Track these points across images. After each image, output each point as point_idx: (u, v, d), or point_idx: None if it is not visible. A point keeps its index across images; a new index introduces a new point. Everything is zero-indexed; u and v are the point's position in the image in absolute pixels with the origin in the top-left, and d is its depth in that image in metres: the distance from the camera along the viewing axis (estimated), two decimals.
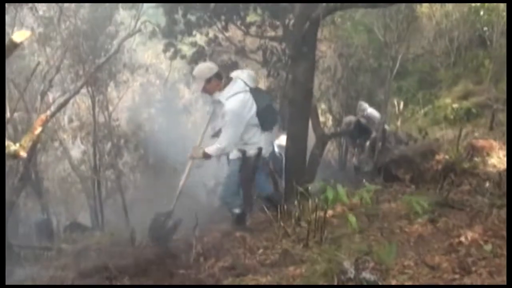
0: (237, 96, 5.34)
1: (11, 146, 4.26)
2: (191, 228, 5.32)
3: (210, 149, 5.47)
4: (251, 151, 5.58)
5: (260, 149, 5.59)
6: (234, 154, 5.64)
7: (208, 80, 5.38)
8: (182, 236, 5.52)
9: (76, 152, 13.59)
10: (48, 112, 5.40)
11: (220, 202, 6.29)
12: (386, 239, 4.60)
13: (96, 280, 4.33)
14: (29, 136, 4.65)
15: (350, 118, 9.64)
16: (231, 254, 4.67)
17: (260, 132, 5.60)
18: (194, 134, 14.37)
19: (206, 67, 5.58)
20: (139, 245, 5.33)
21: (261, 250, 4.65)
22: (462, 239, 4.20)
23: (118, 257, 4.84)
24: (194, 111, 16.84)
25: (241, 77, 5.58)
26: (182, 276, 4.31)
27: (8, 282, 4.43)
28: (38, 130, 5.08)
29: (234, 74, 5.72)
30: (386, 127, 9.82)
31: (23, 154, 4.50)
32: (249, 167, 5.62)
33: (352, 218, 3.72)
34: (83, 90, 9.81)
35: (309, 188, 5.19)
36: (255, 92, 5.55)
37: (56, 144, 13.69)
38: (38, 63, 5.47)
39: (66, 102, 5.71)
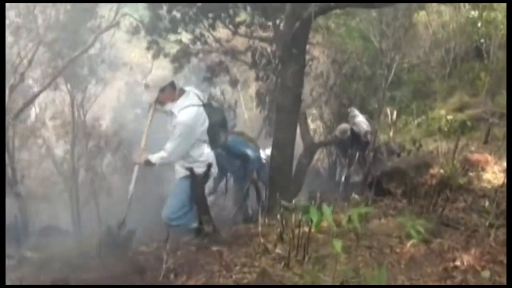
0: (190, 109, 5.08)
1: None
2: (163, 240, 4.98)
3: (154, 157, 5.15)
4: (200, 169, 5.27)
5: (209, 166, 5.31)
6: (182, 173, 5.34)
7: (162, 90, 5.11)
8: (153, 249, 5.12)
9: (59, 150, 13.24)
10: None
11: (165, 221, 5.54)
12: (374, 260, 4.26)
13: None
14: None
15: (345, 126, 9.21)
16: (205, 271, 4.28)
17: (210, 149, 5.35)
18: None
19: (160, 76, 5.42)
20: (105, 258, 4.92)
21: (238, 268, 4.25)
22: (458, 263, 3.92)
23: (81, 271, 4.45)
24: None
25: (194, 91, 5.35)
26: None
27: None
28: None
29: (187, 88, 5.45)
30: (369, 137, 9.54)
31: None
32: (199, 185, 5.32)
33: (337, 243, 3.35)
34: (64, 87, 9.49)
35: (293, 202, 4.82)
36: (208, 107, 5.30)
37: (40, 141, 13.33)
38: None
39: (33, 99, 5.34)
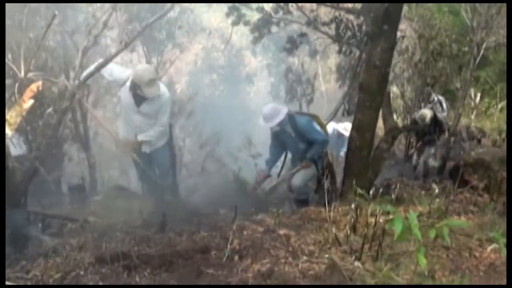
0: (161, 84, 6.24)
1: None
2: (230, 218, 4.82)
3: (145, 136, 6.16)
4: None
5: None
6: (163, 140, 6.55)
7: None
8: (220, 227, 4.91)
9: None
10: (40, 82, 4.90)
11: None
12: (452, 263, 3.96)
13: (113, 268, 3.79)
14: (16, 110, 4.19)
15: (426, 112, 8.68)
16: (271, 256, 4.03)
17: None
18: (256, 104, 13.94)
19: (148, 68, 6.19)
20: (169, 232, 4.76)
21: (305, 257, 3.97)
22: None
23: (144, 244, 4.31)
24: (257, 80, 16.34)
25: None
26: (210, 277, 3.70)
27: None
28: (28, 103, 4.62)
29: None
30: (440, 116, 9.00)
31: (9, 132, 4.07)
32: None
33: (422, 259, 3.03)
34: (140, 49, 9.53)
35: (371, 192, 4.47)
36: None
37: (115, 99, 13.40)
38: (54, 16, 4.89)
39: (107, 62, 5.17)
